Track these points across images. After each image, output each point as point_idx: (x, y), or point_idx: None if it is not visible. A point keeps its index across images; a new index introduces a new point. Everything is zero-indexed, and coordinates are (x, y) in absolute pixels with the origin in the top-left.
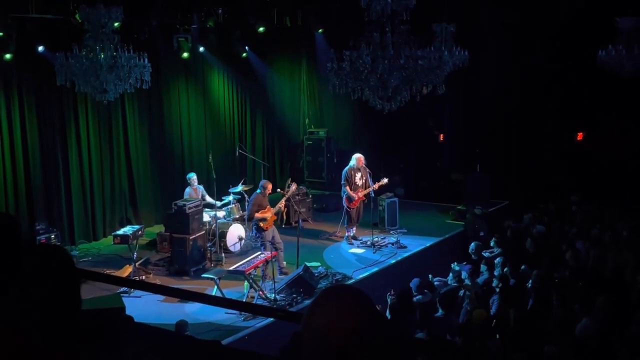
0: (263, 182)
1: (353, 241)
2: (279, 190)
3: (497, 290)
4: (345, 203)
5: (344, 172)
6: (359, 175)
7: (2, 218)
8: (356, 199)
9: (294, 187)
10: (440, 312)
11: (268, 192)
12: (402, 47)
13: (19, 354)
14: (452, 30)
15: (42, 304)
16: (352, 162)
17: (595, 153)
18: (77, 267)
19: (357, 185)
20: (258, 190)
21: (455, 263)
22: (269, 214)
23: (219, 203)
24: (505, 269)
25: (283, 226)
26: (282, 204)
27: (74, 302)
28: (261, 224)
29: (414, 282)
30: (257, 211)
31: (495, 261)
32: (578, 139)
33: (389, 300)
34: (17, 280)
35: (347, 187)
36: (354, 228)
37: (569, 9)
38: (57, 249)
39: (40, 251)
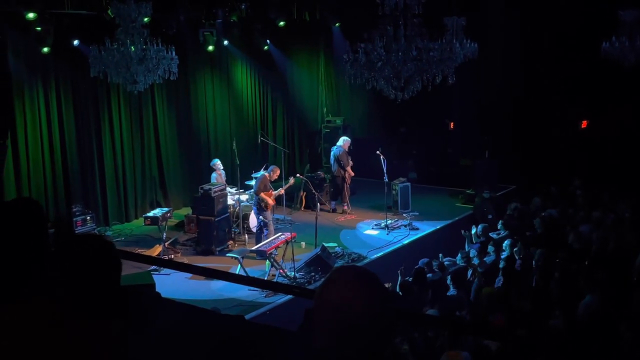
0: (273, 167)
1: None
2: (298, 175)
3: (501, 269)
4: (347, 181)
5: (342, 153)
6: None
7: (28, 203)
8: (352, 174)
9: (291, 181)
10: (452, 289)
11: (274, 177)
12: (414, 39)
13: (57, 321)
14: (462, 23)
15: (85, 282)
16: (342, 144)
17: (598, 140)
18: (118, 254)
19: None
20: (266, 172)
21: (467, 243)
22: (271, 198)
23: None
24: (515, 249)
25: (302, 209)
26: (281, 191)
27: (112, 283)
28: (262, 205)
29: (422, 262)
30: (263, 190)
31: (504, 244)
32: (582, 127)
33: (399, 275)
34: (63, 260)
35: (349, 167)
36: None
37: (575, 1)
38: (102, 240)
39: (87, 241)
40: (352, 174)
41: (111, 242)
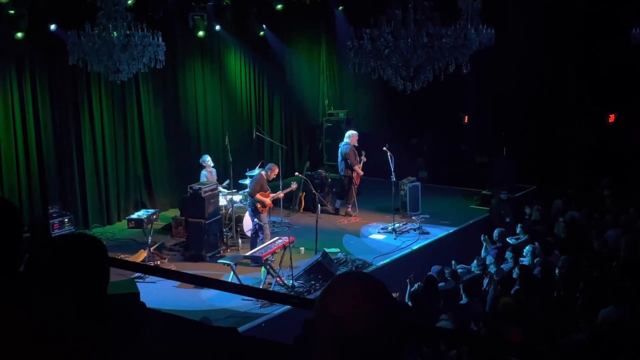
0: (271, 164)
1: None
2: (297, 173)
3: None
4: (354, 181)
5: (349, 150)
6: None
7: (0, 203)
8: (362, 174)
9: (293, 185)
10: (464, 299)
11: (272, 177)
12: (425, 24)
13: (31, 332)
14: (478, 7)
15: (65, 289)
16: (349, 140)
17: (628, 136)
18: (108, 258)
19: (358, 161)
20: (264, 171)
21: (484, 248)
22: (268, 199)
23: None
24: (537, 260)
25: (301, 211)
26: (280, 194)
27: (101, 289)
28: (258, 206)
29: (434, 270)
30: (259, 191)
31: (525, 250)
32: (610, 121)
33: (408, 283)
34: (43, 262)
35: (358, 166)
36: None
37: None
38: (90, 239)
39: (72, 240)
40: (362, 173)
41: (100, 242)
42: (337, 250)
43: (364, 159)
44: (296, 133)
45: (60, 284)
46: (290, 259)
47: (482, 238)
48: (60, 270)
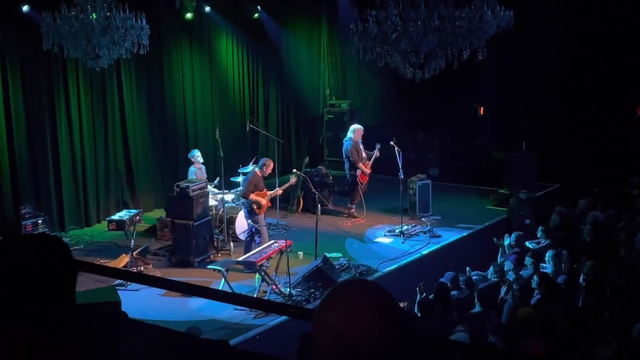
0: (265, 160)
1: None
2: (294, 170)
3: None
4: (359, 180)
5: (351, 147)
6: (361, 147)
7: None
8: (368, 172)
9: (293, 180)
10: (477, 308)
11: (267, 173)
12: (436, 5)
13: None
14: None
15: (31, 297)
16: (353, 135)
17: None
18: (74, 260)
19: (364, 158)
20: (257, 168)
21: (500, 254)
22: (264, 199)
23: None
24: (564, 266)
25: (299, 212)
26: (279, 191)
27: (68, 296)
28: (254, 207)
29: (447, 276)
30: (253, 191)
31: (547, 255)
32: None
33: (417, 292)
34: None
35: (361, 164)
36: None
37: None
38: (52, 238)
39: (33, 241)
40: (368, 171)
41: (63, 242)
42: (339, 255)
43: (377, 153)
44: (294, 126)
45: (12, 290)
46: (288, 264)
47: (495, 241)
48: (12, 274)
